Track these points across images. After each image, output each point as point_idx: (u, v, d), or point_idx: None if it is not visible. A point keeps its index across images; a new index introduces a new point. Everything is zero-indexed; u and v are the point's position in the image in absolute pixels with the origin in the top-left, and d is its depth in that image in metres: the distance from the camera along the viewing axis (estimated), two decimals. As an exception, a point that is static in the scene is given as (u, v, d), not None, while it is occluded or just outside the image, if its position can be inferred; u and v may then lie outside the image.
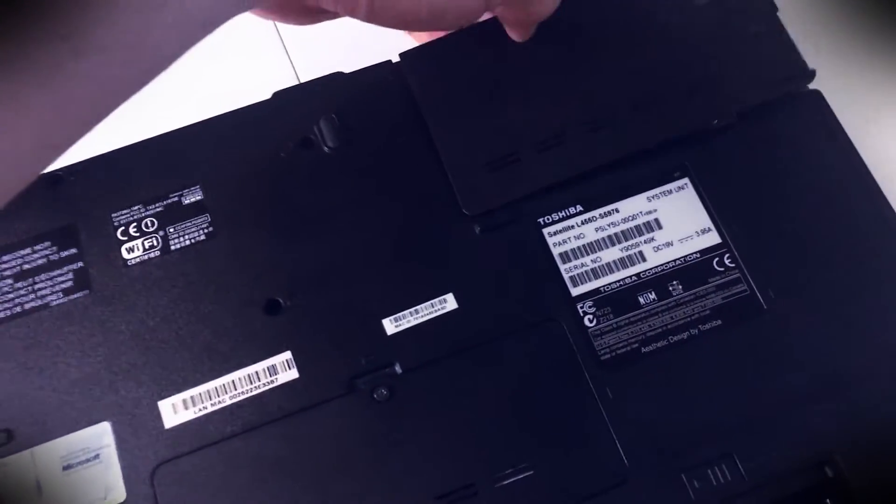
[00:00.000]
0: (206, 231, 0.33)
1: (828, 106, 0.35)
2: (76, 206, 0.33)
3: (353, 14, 0.28)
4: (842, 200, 0.33)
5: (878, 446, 0.30)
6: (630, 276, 0.32)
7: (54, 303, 0.32)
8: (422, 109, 0.35)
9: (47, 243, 0.33)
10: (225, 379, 0.31)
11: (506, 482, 0.29)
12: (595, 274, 0.32)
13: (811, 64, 0.36)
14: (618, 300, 0.32)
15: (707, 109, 0.34)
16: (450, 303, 0.32)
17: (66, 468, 0.30)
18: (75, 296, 0.32)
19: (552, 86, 0.34)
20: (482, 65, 0.35)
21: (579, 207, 0.33)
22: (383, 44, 0.36)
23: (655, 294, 0.32)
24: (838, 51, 0.40)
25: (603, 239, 0.33)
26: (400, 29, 0.31)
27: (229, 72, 0.44)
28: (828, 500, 0.30)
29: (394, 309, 0.32)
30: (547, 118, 0.34)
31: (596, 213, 0.33)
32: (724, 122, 0.34)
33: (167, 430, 0.30)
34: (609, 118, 0.34)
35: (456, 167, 0.34)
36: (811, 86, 0.36)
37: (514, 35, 0.34)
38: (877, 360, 0.31)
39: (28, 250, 0.33)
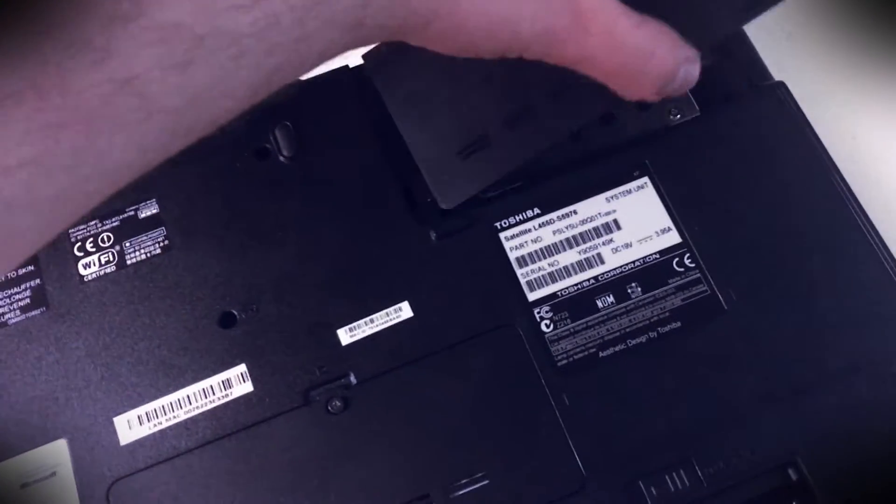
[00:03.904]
0: (161, 244, 0.33)
1: (793, 98, 0.34)
2: (33, 223, 0.34)
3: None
4: (806, 197, 0.32)
5: (840, 448, 0.29)
6: (588, 280, 0.32)
7: (12, 321, 0.32)
8: (388, 106, 0.34)
9: (5, 261, 0.33)
10: (180, 394, 0.31)
11: (461, 492, 0.29)
12: (552, 278, 0.32)
13: (779, 56, 0.35)
14: (575, 304, 0.31)
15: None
16: (405, 311, 0.31)
17: (24, 485, 0.30)
18: (32, 313, 0.32)
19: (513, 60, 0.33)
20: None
21: (536, 210, 0.33)
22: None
23: (613, 297, 0.31)
24: (808, 42, 0.39)
25: (560, 242, 0.32)
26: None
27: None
28: (794, 503, 0.29)
29: (349, 319, 0.32)
30: (512, 93, 0.33)
31: (553, 215, 0.33)
32: (686, 118, 0.34)
33: (123, 446, 0.30)
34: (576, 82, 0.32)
35: (428, 161, 0.33)
36: (776, 77, 0.35)
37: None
38: (838, 361, 0.30)
39: (-14, 269, 0.33)
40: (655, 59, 0.27)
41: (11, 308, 0.32)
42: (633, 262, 0.32)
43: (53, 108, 0.17)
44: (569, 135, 0.32)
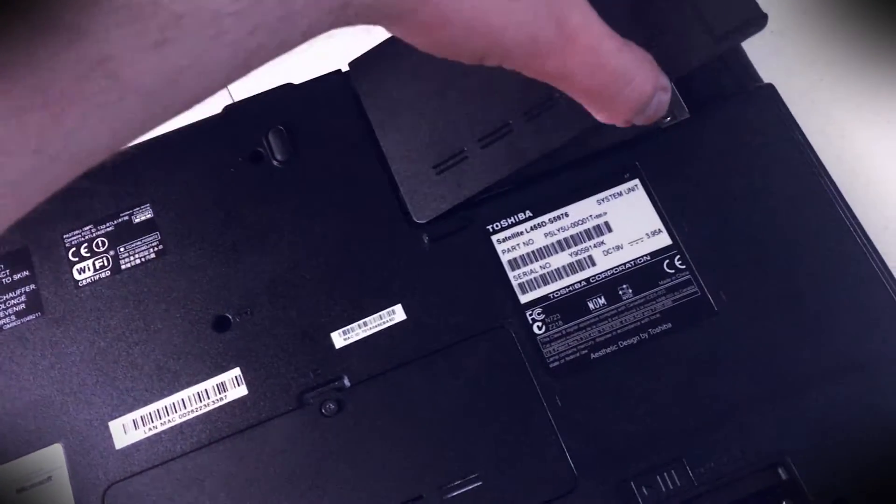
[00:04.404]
0: (155, 249, 0.33)
1: (782, 100, 0.34)
2: (28, 229, 0.34)
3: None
4: (795, 198, 0.33)
5: (830, 447, 0.29)
6: (579, 282, 0.32)
7: (7, 326, 0.32)
8: (370, 117, 0.35)
9: (0, 266, 0.33)
10: (174, 398, 0.31)
11: (454, 493, 0.29)
12: (544, 280, 0.32)
13: (768, 57, 0.35)
14: (567, 306, 0.32)
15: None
16: (398, 314, 0.32)
17: (20, 490, 0.30)
18: (27, 318, 0.32)
19: (493, 78, 0.33)
20: (427, 66, 0.34)
21: (528, 213, 0.33)
22: (334, 52, 0.36)
23: (605, 299, 0.32)
24: (796, 42, 0.39)
25: (552, 244, 0.33)
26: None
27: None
28: (784, 502, 0.29)
29: (342, 322, 0.32)
30: (490, 112, 0.33)
31: (545, 217, 0.33)
32: (676, 120, 0.34)
33: (118, 450, 0.30)
34: (552, 104, 0.32)
35: (404, 174, 0.34)
36: (765, 78, 0.35)
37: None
38: (827, 361, 0.30)
39: (-19, 274, 0.33)
40: (634, 85, 0.27)
41: (6, 313, 0.32)
42: (624, 263, 0.32)
43: (21, 91, 0.16)
44: (543, 156, 0.32)
